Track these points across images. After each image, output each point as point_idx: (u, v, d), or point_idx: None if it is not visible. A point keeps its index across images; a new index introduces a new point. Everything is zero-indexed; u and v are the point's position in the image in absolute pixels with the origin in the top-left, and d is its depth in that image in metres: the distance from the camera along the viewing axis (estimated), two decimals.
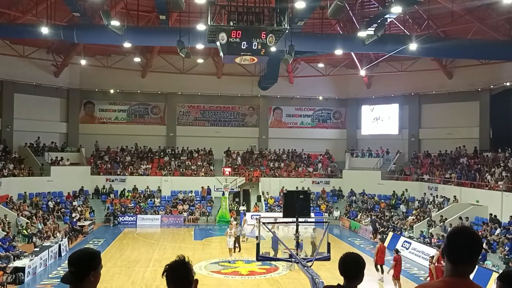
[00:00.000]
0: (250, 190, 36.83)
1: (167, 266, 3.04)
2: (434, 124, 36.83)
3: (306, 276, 12.57)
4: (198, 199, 35.72)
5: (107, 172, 36.13)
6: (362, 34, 22.58)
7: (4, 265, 17.56)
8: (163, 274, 3.03)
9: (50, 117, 36.43)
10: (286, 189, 31.24)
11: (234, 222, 25.07)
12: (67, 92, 37.43)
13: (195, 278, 3.06)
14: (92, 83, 37.70)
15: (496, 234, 21.89)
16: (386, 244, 25.50)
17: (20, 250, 20.66)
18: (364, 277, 3.45)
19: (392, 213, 31.14)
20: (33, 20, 26.46)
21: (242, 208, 33.90)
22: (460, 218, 24.69)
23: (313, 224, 21.29)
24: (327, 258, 14.67)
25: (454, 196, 28.08)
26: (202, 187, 35.92)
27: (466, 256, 2.68)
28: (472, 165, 30.61)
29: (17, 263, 17.70)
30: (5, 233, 22.02)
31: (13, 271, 16.92)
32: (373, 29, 21.37)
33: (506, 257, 19.32)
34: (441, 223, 25.16)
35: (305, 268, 12.63)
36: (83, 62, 34.46)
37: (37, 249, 20.51)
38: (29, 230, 25.19)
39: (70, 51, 34.34)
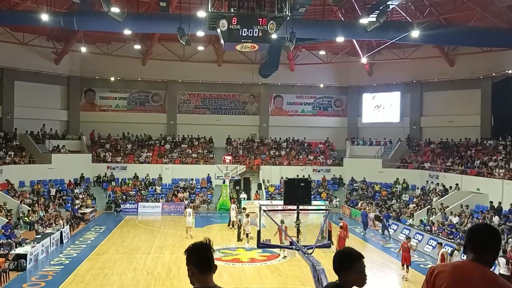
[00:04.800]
0: (250, 178, 36.89)
1: (191, 246, 3.04)
2: (435, 112, 36.75)
3: (307, 263, 12.61)
4: (199, 187, 35.79)
5: (100, 160, 36.10)
6: (364, 21, 22.45)
7: (6, 252, 17.64)
8: (185, 251, 3.03)
9: (50, 104, 36.36)
10: (286, 177, 31.25)
11: (233, 209, 25.35)
12: (68, 79, 37.32)
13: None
14: (92, 70, 37.58)
15: (495, 221, 21.94)
16: (385, 232, 25.76)
17: (22, 237, 20.77)
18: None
19: (393, 201, 31.20)
20: (32, 7, 26.30)
21: (242, 196, 33.98)
22: (461, 205, 24.78)
23: (316, 212, 21.29)
24: (328, 246, 14.71)
25: (456, 184, 28.11)
26: (203, 178, 35.98)
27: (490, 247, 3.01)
28: (475, 156, 30.55)
29: (19, 250, 17.78)
30: (7, 221, 22.13)
31: (15, 258, 17.01)
32: (375, 16, 21.25)
33: (506, 244, 19.36)
34: (441, 211, 25.22)
35: (306, 255, 12.65)
36: (83, 49, 34.29)
37: (39, 236, 20.61)
38: (30, 217, 25.29)
39: (70, 39, 34.16)
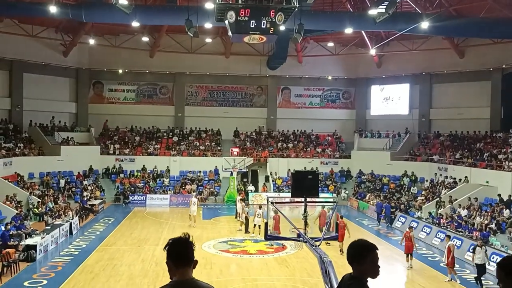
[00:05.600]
0: (258, 170, 36.90)
1: (170, 241, 3.04)
2: (445, 104, 36.46)
3: (314, 255, 12.61)
4: (206, 179, 35.89)
5: (109, 152, 36.27)
6: (373, 12, 22.27)
7: (16, 243, 17.84)
8: (165, 247, 3.03)
9: (59, 97, 36.51)
10: (294, 170, 31.19)
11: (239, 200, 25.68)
12: (76, 72, 37.45)
13: (195, 258, 3.08)
14: (100, 62, 37.66)
15: (505, 215, 21.77)
16: (394, 225, 25.72)
17: (32, 228, 20.96)
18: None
19: (402, 194, 31.08)
20: None
21: (250, 188, 34.02)
22: (470, 198, 24.62)
23: (323, 204, 21.30)
24: (335, 238, 14.73)
25: (465, 177, 27.93)
26: (211, 171, 36.08)
27: None
28: (484, 148, 30.31)
29: (29, 241, 17.95)
30: (17, 212, 22.33)
31: (25, 248, 17.20)
32: (384, 7, 21.03)
33: None
34: (450, 204, 25.07)
35: (313, 247, 12.65)
36: (91, 41, 34.31)
37: (49, 227, 20.78)
38: (40, 208, 25.50)
39: (79, 31, 34.21)
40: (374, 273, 3.23)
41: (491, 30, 25.99)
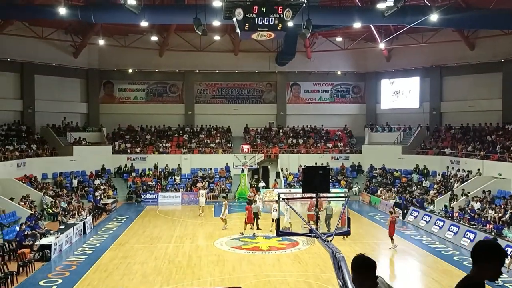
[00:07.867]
0: (269, 166, 36.93)
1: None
2: (456, 97, 36.19)
3: (326, 251, 12.62)
4: (217, 176, 36.01)
5: (121, 151, 36.51)
6: (381, 5, 22.12)
7: (31, 243, 18.06)
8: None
9: (70, 97, 36.86)
10: (305, 165, 31.08)
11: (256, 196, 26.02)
12: (87, 72, 37.75)
13: None
14: (110, 63, 37.94)
15: None
16: (406, 219, 25.60)
17: (46, 228, 21.20)
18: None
19: (414, 188, 30.90)
20: (50, 1, 26.55)
21: (261, 184, 34.07)
22: (483, 191, 24.41)
23: (333, 199, 21.26)
24: (347, 233, 14.66)
25: (478, 170, 27.71)
26: (222, 168, 36.18)
27: None
28: (497, 140, 30.02)
29: (44, 241, 18.16)
30: (32, 212, 22.60)
31: (40, 248, 17.42)
32: (393, 0, 20.88)
33: None
34: (463, 197, 24.88)
35: (325, 242, 12.65)
36: (101, 42, 34.58)
37: (63, 227, 21.01)
38: (53, 208, 25.78)
39: (88, 32, 34.46)
40: (494, 277, 3.09)
41: (501, 21, 25.65)
